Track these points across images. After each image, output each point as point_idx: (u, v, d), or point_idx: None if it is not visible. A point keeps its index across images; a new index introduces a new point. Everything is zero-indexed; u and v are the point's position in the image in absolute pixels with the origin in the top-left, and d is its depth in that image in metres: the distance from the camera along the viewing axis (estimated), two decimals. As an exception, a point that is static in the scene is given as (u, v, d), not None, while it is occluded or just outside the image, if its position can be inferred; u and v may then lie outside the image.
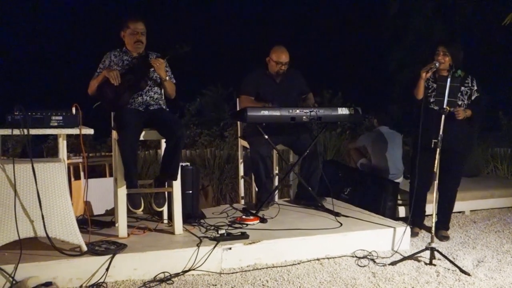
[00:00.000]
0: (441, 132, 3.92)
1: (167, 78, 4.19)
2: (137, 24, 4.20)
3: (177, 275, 3.51)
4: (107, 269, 3.36)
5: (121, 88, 4.03)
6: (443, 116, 3.94)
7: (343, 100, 9.26)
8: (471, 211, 5.61)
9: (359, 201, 5.15)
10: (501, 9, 7.74)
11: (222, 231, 3.91)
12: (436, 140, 3.95)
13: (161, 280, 3.43)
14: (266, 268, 3.72)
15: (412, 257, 3.93)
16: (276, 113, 4.51)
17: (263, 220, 4.38)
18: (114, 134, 4.08)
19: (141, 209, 4.04)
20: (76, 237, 3.43)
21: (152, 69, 4.16)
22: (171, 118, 4.15)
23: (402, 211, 5.21)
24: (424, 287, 3.45)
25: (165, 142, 4.01)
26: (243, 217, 4.42)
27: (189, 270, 3.56)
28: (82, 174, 5.17)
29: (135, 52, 4.25)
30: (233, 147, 7.17)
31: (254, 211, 4.57)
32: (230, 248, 3.71)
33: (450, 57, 4.33)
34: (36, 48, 15.45)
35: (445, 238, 4.56)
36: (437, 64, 4.27)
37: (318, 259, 3.89)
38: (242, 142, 5.15)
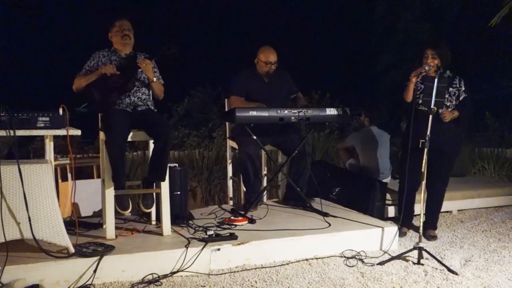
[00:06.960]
0: (428, 132, 3.95)
1: (155, 79, 4.17)
2: (123, 21, 4.21)
3: (165, 276, 3.49)
4: (94, 271, 3.33)
5: (109, 88, 4.01)
6: (430, 117, 3.96)
7: (331, 101, 9.27)
8: (458, 210, 5.65)
9: (347, 201, 5.16)
10: (487, 9, 7.79)
11: (210, 232, 3.90)
12: (423, 140, 3.97)
13: (149, 282, 3.41)
14: (255, 268, 3.72)
15: (400, 256, 3.95)
16: (265, 113, 4.51)
17: (251, 220, 4.37)
18: (102, 135, 4.05)
19: (129, 211, 4.01)
20: (63, 239, 3.41)
21: (140, 70, 4.14)
22: (159, 118, 4.13)
23: (390, 211, 5.24)
24: (412, 286, 3.46)
25: (153, 143, 3.99)
26: (232, 218, 4.41)
27: (178, 271, 3.54)
28: (69, 175, 5.13)
29: (124, 50, 4.23)
30: (222, 148, 7.15)
31: (242, 212, 4.56)
32: (218, 249, 3.71)
33: (438, 59, 4.35)
34: (21, 48, 15.30)
35: (433, 237, 4.58)
36: (426, 68, 4.29)
37: (306, 260, 3.90)
38: (231, 143, 5.14)
